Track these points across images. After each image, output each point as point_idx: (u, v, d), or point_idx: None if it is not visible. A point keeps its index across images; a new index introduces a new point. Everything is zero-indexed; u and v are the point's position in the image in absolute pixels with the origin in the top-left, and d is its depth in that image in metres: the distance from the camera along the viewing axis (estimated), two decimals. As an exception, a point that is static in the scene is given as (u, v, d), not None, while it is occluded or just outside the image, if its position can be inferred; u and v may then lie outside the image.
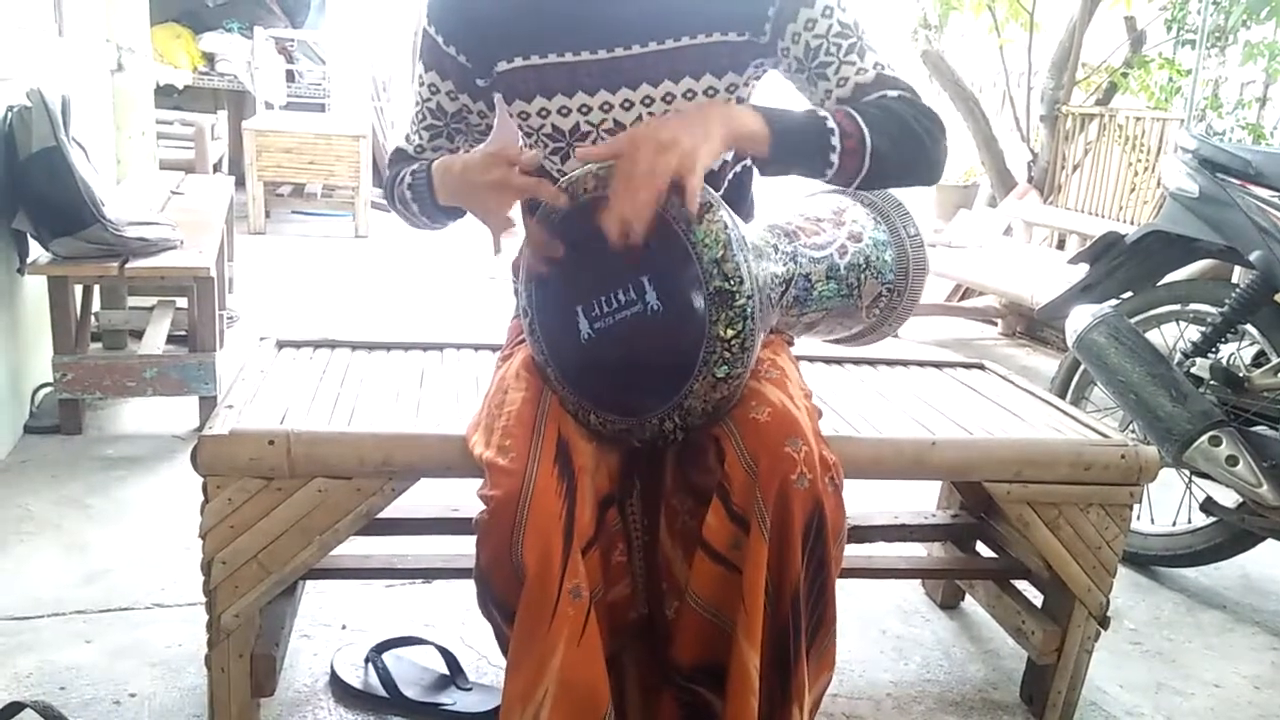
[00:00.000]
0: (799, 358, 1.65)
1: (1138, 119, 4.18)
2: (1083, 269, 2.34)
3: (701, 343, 1.06)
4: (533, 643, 1.08)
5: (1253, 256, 1.96)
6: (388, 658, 1.58)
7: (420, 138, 1.36)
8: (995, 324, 4.48)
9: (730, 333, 1.05)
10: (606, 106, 1.22)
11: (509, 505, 1.09)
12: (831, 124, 1.11)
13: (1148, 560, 2.19)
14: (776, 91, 1.31)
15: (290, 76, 6.63)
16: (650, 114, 1.22)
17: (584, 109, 1.23)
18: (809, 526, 1.12)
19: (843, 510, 1.16)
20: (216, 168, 5.30)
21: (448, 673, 1.58)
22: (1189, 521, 2.15)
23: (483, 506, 1.12)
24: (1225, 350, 2.08)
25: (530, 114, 1.25)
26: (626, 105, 1.21)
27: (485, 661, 1.64)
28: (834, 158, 1.11)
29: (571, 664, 1.09)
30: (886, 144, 1.13)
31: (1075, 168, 4.51)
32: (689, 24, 1.20)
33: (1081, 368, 2.35)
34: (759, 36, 1.21)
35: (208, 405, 2.48)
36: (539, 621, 1.08)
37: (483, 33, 1.23)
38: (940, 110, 1.19)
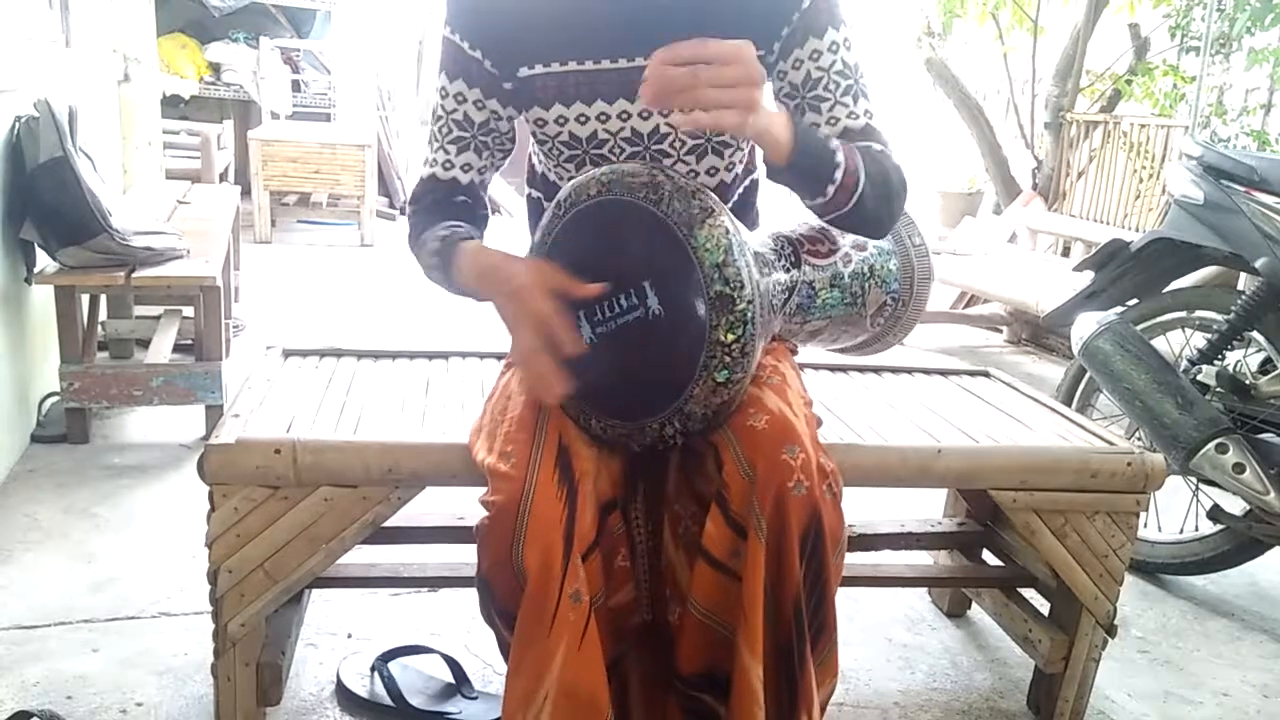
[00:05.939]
0: (803, 365, 1.65)
1: (1142, 126, 4.18)
2: (1088, 276, 2.34)
3: (702, 347, 1.06)
4: (533, 647, 1.08)
5: (1258, 263, 1.96)
6: (393, 666, 1.58)
7: (446, 153, 1.30)
8: (1000, 331, 4.47)
9: (730, 338, 1.05)
10: (625, 115, 1.22)
11: (509, 510, 1.09)
12: (840, 158, 1.12)
13: (1155, 568, 2.18)
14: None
15: (296, 86, 6.65)
16: (669, 124, 1.22)
17: (602, 117, 1.23)
18: (806, 534, 1.12)
19: (841, 519, 1.16)
20: (222, 177, 5.32)
21: (453, 681, 1.58)
22: (1196, 529, 2.14)
23: (484, 513, 1.12)
24: (1231, 357, 2.08)
25: (547, 121, 1.25)
26: (645, 115, 1.22)
27: (491, 670, 1.64)
28: (830, 190, 1.12)
29: (572, 668, 1.09)
30: (870, 193, 1.15)
31: (1080, 175, 4.51)
32: (706, 36, 1.20)
33: (1087, 375, 2.35)
34: (768, 55, 1.21)
35: (214, 414, 2.48)
36: (539, 626, 1.08)
37: (506, 37, 1.23)
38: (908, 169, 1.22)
